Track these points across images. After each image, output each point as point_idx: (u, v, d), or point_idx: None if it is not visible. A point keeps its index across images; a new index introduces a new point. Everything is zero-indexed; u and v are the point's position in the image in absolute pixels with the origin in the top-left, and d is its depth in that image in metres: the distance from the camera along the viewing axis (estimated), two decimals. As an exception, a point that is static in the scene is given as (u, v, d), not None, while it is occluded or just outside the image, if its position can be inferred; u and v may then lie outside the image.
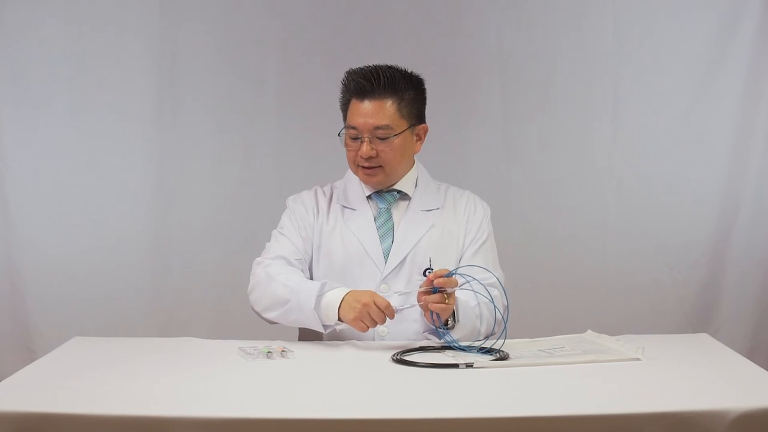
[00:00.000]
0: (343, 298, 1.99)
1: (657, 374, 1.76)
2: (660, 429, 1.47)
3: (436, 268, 1.98)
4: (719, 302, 3.32)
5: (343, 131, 2.16)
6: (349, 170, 2.24)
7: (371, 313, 1.95)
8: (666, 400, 1.56)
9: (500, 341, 1.94)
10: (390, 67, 2.14)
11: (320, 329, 2.05)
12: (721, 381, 1.71)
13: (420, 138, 2.21)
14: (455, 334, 1.99)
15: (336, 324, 2.03)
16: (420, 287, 1.96)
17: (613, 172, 3.33)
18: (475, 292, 2.04)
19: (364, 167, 2.14)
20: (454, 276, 1.94)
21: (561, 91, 3.31)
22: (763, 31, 3.20)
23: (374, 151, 2.11)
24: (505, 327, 1.96)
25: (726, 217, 3.30)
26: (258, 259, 2.18)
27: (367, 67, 2.14)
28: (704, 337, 2.16)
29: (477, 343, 1.97)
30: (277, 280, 2.08)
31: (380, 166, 2.14)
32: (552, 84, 3.31)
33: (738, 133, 3.27)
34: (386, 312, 1.96)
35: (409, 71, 2.17)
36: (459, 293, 2.03)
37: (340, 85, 2.17)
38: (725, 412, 1.48)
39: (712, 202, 3.30)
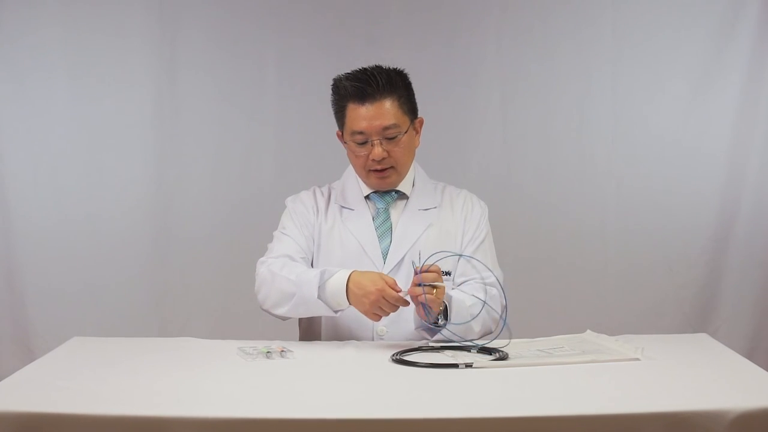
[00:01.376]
0: (348, 285, 1.98)
1: (656, 374, 1.76)
2: (659, 429, 1.47)
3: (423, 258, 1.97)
4: (719, 302, 3.33)
5: (338, 133, 2.15)
6: (347, 170, 2.24)
7: (383, 307, 1.94)
8: (665, 400, 1.56)
9: (505, 341, 1.94)
10: (379, 67, 2.12)
11: (332, 314, 2.04)
12: (720, 381, 1.71)
13: (417, 131, 2.20)
14: (447, 332, 1.99)
15: (349, 307, 2.02)
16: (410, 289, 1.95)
17: (612, 172, 3.33)
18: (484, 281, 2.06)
19: (376, 170, 2.13)
20: (435, 264, 1.92)
21: (561, 91, 3.32)
22: (762, 31, 3.21)
23: (386, 152, 2.10)
24: (504, 325, 1.96)
25: (725, 217, 3.31)
26: (261, 258, 2.18)
27: (359, 70, 2.11)
28: (703, 337, 2.15)
29: (480, 342, 1.97)
30: (281, 275, 2.07)
31: (392, 167, 2.13)
32: (552, 84, 3.32)
33: (737, 133, 3.27)
34: (399, 303, 1.94)
35: (393, 67, 2.14)
36: (455, 291, 2.03)
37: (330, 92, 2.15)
38: (725, 412, 1.48)
39: (711, 202, 3.31)
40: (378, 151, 2.09)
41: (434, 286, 1.91)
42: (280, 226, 2.23)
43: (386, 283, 1.94)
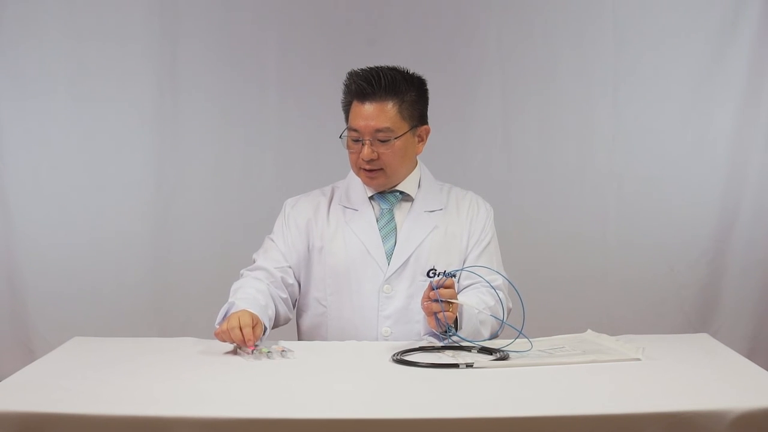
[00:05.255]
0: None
1: (657, 374, 1.76)
2: (660, 429, 1.47)
3: (439, 270, 1.97)
4: (719, 302, 3.33)
5: (345, 133, 2.15)
6: (352, 171, 2.25)
7: (232, 336, 1.90)
8: (666, 400, 1.56)
9: (507, 341, 1.94)
10: (391, 69, 2.13)
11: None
12: (721, 381, 1.71)
13: (422, 139, 2.20)
14: (456, 338, 1.98)
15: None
16: (423, 299, 1.94)
17: (613, 172, 3.33)
18: (490, 286, 2.05)
19: (365, 170, 2.14)
20: (452, 278, 1.93)
21: (561, 91, 3.32)
22: (763, 31, 3.21)
23: (375, 153, 2.10)
24: (520, 328, 1.95)
25: (726, 217, 3.31)
26: (243, 270, 2.20)
27: (369, 68, 2.12)
28: (704, 337, 2.15)
29: (486, 342, 1.97)
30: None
31: (381, 169, 2.13)
32: (552, 83, 3.32)
33: (738, 132, 3.28)
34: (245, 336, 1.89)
35: (410, 72, 2.15)
36: (463, 297, 2.02)
37: (342, 87, 2.16)
38: (725, 412, 1.48)
39: (712, 202, 3.31)
40: (367, 151, 2.10)
41: (449, 302, 1.91)
42: (272, 231, 2.25)
43: (240, 324, 1.91)
